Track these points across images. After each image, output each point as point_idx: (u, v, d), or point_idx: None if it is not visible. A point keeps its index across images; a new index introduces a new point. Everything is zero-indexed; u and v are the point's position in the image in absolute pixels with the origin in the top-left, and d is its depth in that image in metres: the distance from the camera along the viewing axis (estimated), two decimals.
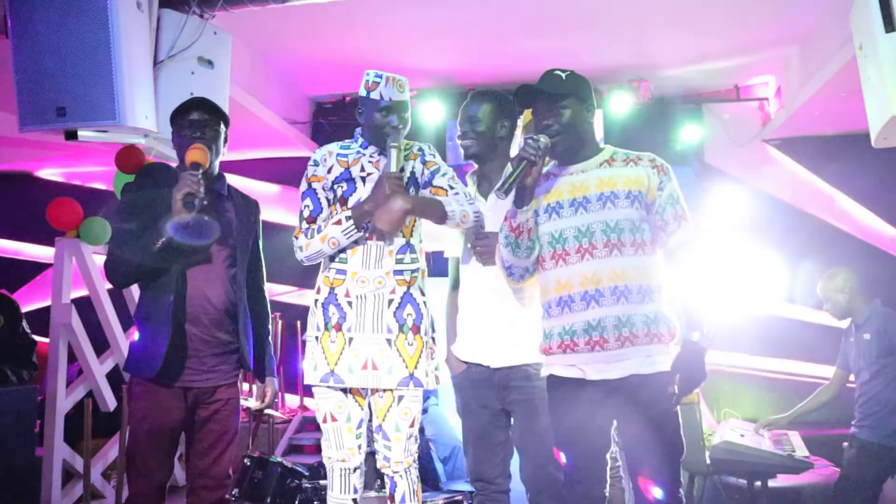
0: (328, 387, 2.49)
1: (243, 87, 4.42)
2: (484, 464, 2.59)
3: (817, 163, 5.48)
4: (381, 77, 2.49)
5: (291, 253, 2.51)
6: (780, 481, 3.71)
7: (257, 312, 2.69)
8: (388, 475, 2.53)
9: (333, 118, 5.78)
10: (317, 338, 2.52)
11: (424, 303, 2.53)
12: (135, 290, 4.19)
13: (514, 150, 2.69)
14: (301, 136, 5.57)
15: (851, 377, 3.74)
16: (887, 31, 2.67)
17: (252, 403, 2.81)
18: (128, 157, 3.80)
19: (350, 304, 2.48)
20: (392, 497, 2.52)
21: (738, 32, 4.63)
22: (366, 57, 4.78)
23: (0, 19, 3.04)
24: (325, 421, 2.53)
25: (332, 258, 2.51)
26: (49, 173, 6.13)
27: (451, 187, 2.52)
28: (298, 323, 5.24)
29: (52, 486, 3.79)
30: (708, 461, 3.56)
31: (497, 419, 2.59)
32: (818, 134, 5.29)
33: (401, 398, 2.49)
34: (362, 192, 2.49)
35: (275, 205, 5.59)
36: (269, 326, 2.76)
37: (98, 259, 4.15)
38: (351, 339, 2.47)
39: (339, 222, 2.43)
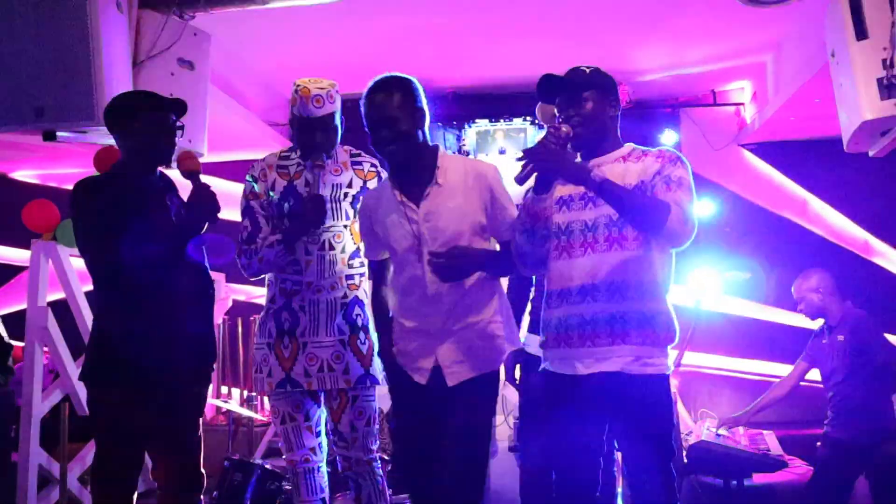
0: (285, 390, 2.49)
1: (223, 89, 4.40)
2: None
3: (791, 167, 5.56)
4: (296, 92, 2.41)
5: None
6: (755, 480, 3.76)
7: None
8: (350, 479, 2.51)
9: None
10: (269, 345, 2.51)
11: (367, 304, 2.56)
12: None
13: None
14: (280, 138, 5.54)
15: (812, 374, 3.81)
16: (859, 39, 2.72)
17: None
18: (106, 158, 3.76)
19: (303, 308, 2.48)
20: (358, 500, 2.51)
21: (714, 39, 4.69)
22: (346, 59, 4.77)
23: None
24: (283, 422, 2.50)
25: (284, 269, 2.49)
26: (24, 175, 6.03)
27: None
28: None
29: (28, 491, 3.74)
30: (685, 461, 3.60)
31: (431, 430, 2.35)
32: (792, 139, 5.36)
33: (355, 398, 2.49)
34: None
35: None
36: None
37: (75, 261, 4.10)
38: (305, 344, 2.47)
39: (272, 245, 2.43)
